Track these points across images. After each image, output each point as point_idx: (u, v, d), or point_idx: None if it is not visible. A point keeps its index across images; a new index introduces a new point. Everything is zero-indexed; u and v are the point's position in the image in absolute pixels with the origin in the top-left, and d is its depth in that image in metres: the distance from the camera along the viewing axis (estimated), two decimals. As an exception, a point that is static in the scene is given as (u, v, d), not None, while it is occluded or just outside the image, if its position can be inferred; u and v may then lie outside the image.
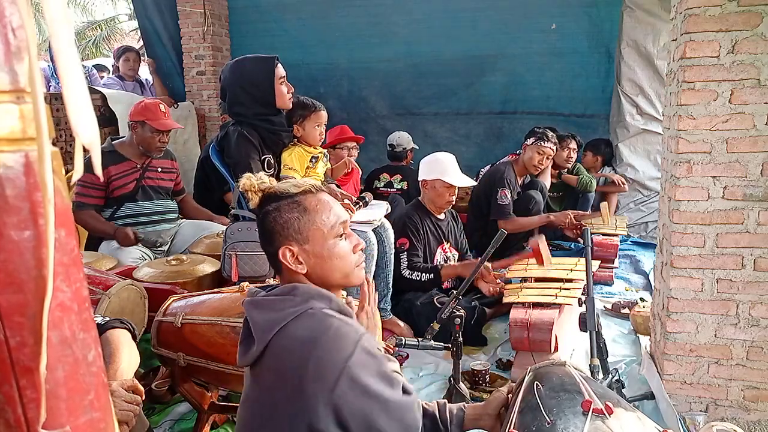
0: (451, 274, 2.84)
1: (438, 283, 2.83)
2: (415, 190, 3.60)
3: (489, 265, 2.77)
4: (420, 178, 2.98)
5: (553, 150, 3.77)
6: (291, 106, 2.62)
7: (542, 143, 3.70)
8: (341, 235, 1.21)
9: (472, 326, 2.72)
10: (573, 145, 4.24)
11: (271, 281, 1.84)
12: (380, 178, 4.21)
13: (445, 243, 3.03)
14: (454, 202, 3.01)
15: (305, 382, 1.04)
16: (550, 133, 3.75)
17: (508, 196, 3.65)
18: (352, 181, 3.60)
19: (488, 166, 4.07)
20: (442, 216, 3.04)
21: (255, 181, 1.18)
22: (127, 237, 2.79)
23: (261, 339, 1.11)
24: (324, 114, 2.72)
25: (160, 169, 3.09)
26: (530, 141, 3.73)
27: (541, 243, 2.65)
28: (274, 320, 1.11)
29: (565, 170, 4.34)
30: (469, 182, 2.94)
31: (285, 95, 2.57)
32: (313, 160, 2.71)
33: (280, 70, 2.57)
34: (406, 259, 2.86)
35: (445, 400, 1.40)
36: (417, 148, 4.45)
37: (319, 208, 1.19)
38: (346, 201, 2.53)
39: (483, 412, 1.32)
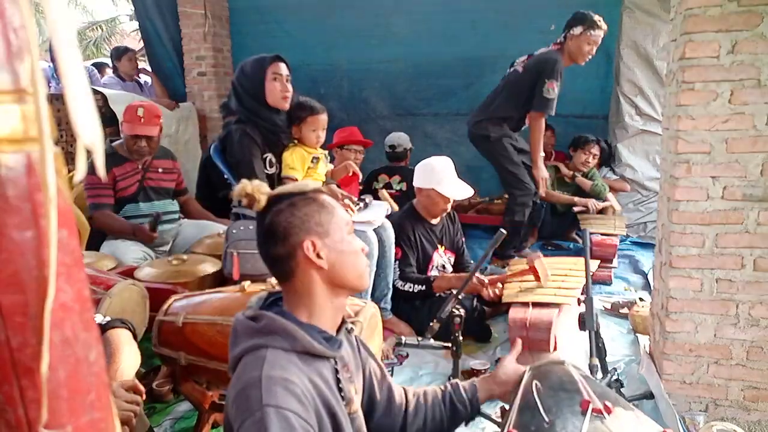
0: (443, 286, 2.77)
1: (429, 294, 2.78)
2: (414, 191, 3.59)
3: (484, 278, 2.70)
4: (415, 184, 2.91)
5: (600, 37, 3.50)
6: (285, 105, 2.61)
7: (592, 32, 3.44)
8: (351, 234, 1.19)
9: (475, 319, 2.71)
10: (595, 150, 4.23)
11: (273, 280, 1.84)
12: (379, 180, 4.21)
13: (439, 247, 2.99)
14: (449, 210, 2.94)
15: (230, 420, 1.04)
16: (597, 19, 3.49)
17: (556, 90, 3.51)
18: (353, 185, 3.60)
19: (525, 57, 3.76)
20: (436, 220, 2.97)
21: (257, 186, 1.13)
22: (146, 235, 2.81)
23: (230, 363, 1.13)
24: (322, 117, 2.70)
25: (161, 170, 3.08)
26: (577, 30, 3.46)
27: (539, 261, 2.55)
28: (236, 348, 1.11)
29: (580, 173, 4.31)
30: (465, 194, 2.84)
31: (275, 92, 2.55)
32: (314, 161, 2.71)
33: (277, 68, 2.56)
34: (398, 269, 2.83)
35: (457, 381, 1.42)
36: (413, 148, 4.46)
37: (333, 204, 1.17)
38: (346, 201, 2.54)
39: (494, 382, 1.38)
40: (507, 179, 3.81)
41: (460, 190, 2.83)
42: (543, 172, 3.77)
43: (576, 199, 4.22)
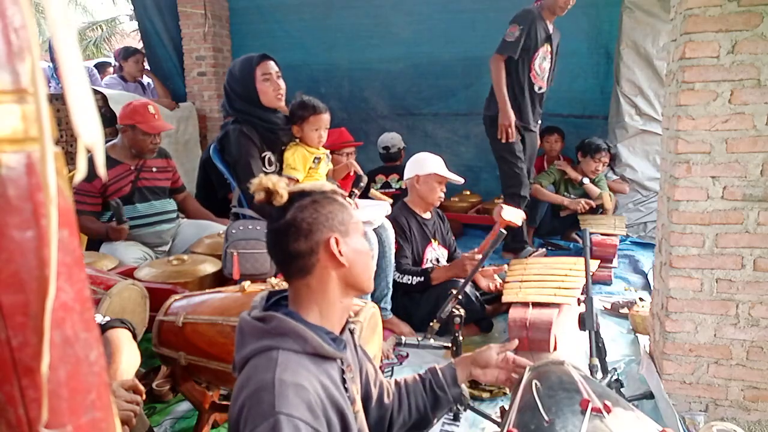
0: (441, 277, 2.79)
1: (428, 286, 2.81)
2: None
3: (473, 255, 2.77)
4: (411, 175, 2.97)
5: None
6: (281, 104, 2.61)
7: None
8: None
9: (477, 309, 2.72)
10: (605, 158, 4.18)
11: (273, 280, 1.84)
12: (376, 180, 4.21)
13: (433, 241, 3.03)
14: (443, 199, 3.02)
15: (237, 421, 1.04)
16: None
17: (516, 33, 3.51)
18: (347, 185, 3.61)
19: None
20: (428, 215, 3.04)
21: (277, 181, 1.13)
22: (115, 231, 2.75)
23: (236, 364, 1.13)
24: (324, 117, 2.69)
25: (155, 169, 3.07)
26: None
27: (504, 211, 2.64)
28: (243, 349, 1.11)
29: (588, 179, 4.27)
30: (459, 179, 2.97)
31: (269, 93, 2.54)
32: (316, 161, 2.71)
33: (266, 68, 2.54)
34: (395, 262, 2.85)
35: (435, 366, 1.46)
36: (412, 147, 4.47)
37: (349, 206, 1.20)
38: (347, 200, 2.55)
39: (472, 362, 1.43)
40: (501, 167, 3.81)
41: (455, 175, 2.97)
42: (505, 119, 3.62)
43: (566, 201, 4.21)
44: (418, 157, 3.01)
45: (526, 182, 3.80)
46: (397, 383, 1.43)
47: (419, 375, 1.45)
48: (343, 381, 1.15)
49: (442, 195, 2.98)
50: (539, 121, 4.02)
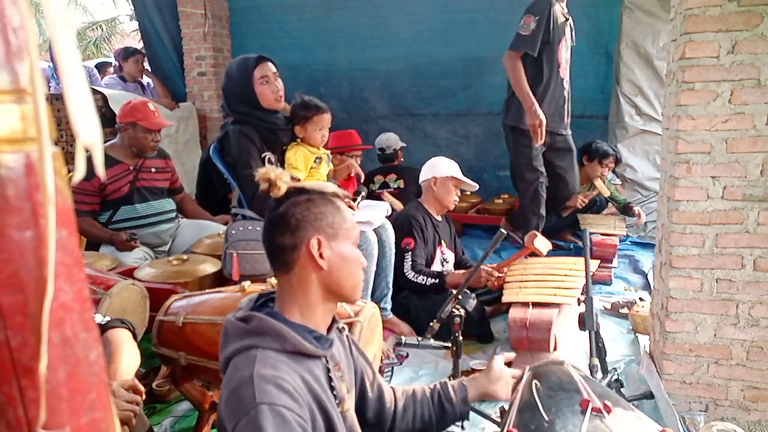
0: (456, 282, 2.77)
1: (441, 289, 2.82)
2: (413, 187, 3.60)
3: (491, 269, 2.77)
4: (428, 176, 2.98)
5: None
6: (280, 105, 2.61)
7: None
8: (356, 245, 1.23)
9: (477, 321, 2.72)
10: (612, 164, 4.13)
11: (273, 280, 1.84)
12: (375, 181, 4.21)
13: (442, 244, 3.04)
14: (457, 202, 3.04)
15: (222, 422, 1.05)
16: None
17: (531, 26, 3.21)
18: (350, 186, 3.61)
19: None
20: (439, 218, 3.07)
21: (279, 174, 1.16)
22: (124, 243, 2.74)
23: (221, 364, 1.14)
24: (327, 117, 2.70)
25: (153, 170, 3.06)
26: None
27: (536, 239, 2.71)
28: (226, 349, 1.12)
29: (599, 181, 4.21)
30: (474, 184, 2.99)
31: (268, 96, 2.54)
32: (317, 161, 2.71)
33: (263, 70, 2.54)
34: (410, 260, 2.86)
35: (446, 380, 1.45)
36: (405, 145, 4.47)
37: (347, 210, 1.20)
38: (347, 200, 2.55)
39: (485, 379, 1.42)
40: (519, 184, 3.69)
41: (470, 181, 3.01)
42: (535, 117, 3.25)
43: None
44: (435, 160, 3.06)
45: (543, 199, 3.62)
46: (404, 390, 1.43)
47: (429, 386, 1.45)
48: (330, 380, 1.15)
49: (457, 199, 3.01)
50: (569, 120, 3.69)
